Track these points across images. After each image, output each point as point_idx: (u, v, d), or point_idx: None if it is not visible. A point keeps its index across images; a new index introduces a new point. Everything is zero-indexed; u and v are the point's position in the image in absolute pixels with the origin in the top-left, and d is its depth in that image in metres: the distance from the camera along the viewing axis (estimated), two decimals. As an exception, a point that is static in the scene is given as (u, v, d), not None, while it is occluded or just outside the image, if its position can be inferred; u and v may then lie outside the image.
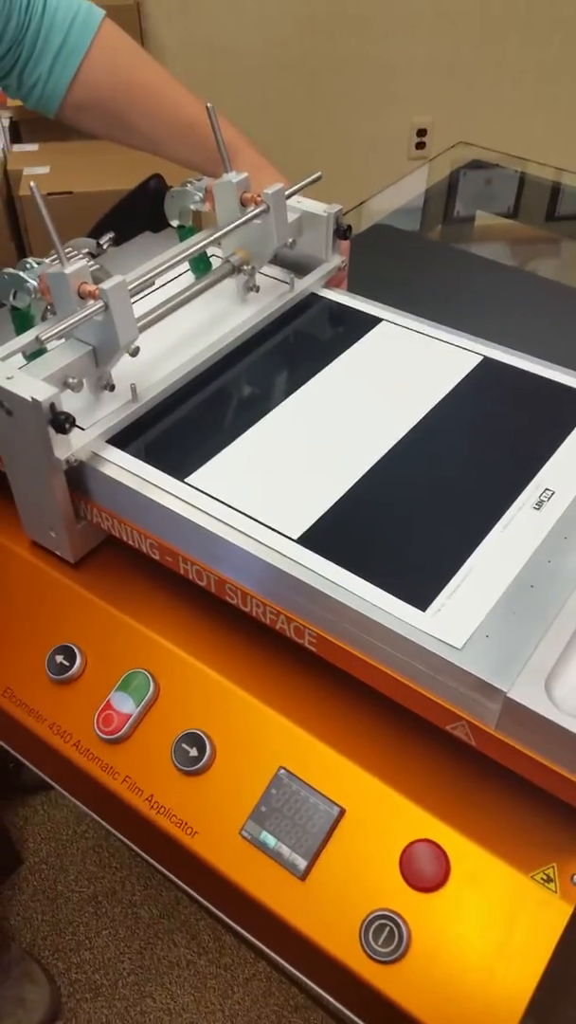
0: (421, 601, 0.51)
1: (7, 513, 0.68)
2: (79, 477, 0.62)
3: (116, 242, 0.76)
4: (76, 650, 0.62)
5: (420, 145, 2.53)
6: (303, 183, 0.74)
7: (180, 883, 0.59)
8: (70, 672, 0.61)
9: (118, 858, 1.36)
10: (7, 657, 0.63)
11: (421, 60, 2.35)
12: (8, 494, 0.66)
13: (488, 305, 1.04)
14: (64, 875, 1.34)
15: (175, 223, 0.77)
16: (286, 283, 0.77)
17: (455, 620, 0.50)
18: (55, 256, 0.63)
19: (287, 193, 0.72)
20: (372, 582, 0.52)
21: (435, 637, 0.49)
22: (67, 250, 0.65)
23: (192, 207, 0.74)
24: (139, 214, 1.21)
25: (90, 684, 0.61)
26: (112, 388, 0.65)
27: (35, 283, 0.61)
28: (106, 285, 0.58)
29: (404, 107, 2.44)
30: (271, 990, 1.22)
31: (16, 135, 2.08)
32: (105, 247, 0.75)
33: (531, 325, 0.97)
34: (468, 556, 0.54)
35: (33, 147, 2.04)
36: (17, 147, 2.03)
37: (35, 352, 0.62)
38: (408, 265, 1.17)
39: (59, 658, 0.62)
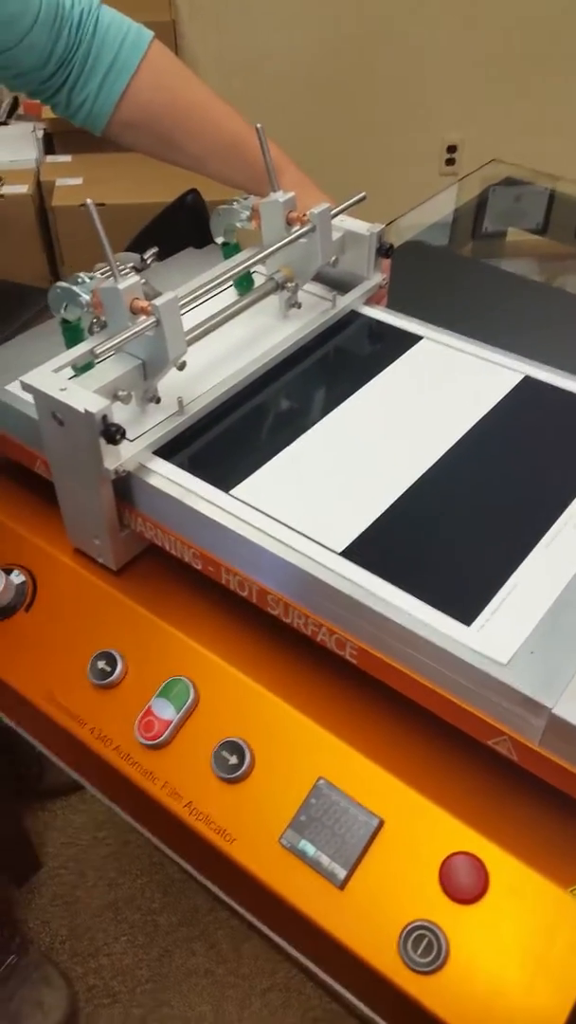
0: (466, 616, 0.52)
1: (51, 521, 0.70)
2: (125, 487, 0.63)
3: (159, 257, 0.78)
4: (118, 656, 0.63)
5: (450, 161, 2.55)
6: (348, 204, 0.75)
7: (216, 890, 0.59)
8: (112, 677, 0.62)
9: (138, 865, 1.36)
10: (50, 661, 0.64)
11: (452, 78, 2.37)
12: (52, 502, 0.68)
13: (521, 322, 1.05)
14: (83, 880, 1.35)
15: (220, 240, 0.78)
16: (327, 300, 0.78)
17: (500, 636, 0.51)
18: (107, 270, 0.65)
19: (332, 213, 0.73)
20: (417, 596, 0.53)
21: (480, 652, 0.50)
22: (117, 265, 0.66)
23: (238, 225, 0.76)
24: (178, 228, 1.23)
25: (131, 690, 0.62)
26: (158, 400, 0.66)
27: (88, 297, 0.62)
28: (159, 301, 0.59)
29: (435, 124, 2.46)
30: (290, 1001, 1.22)
31: (49, 146, 2.12)
32: (149, 262, 0.76)
33: (564, 342, 0.98)
34: (512, 573, 0.55)
35: (67, 158, 2.06)
36: (51, 158, 2.06)
37: (83, 365, 0.63)
38: (441, 281, 1.18)
39: (101, 664, 0.63)
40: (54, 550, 0.69)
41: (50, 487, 0.67)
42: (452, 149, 2.53)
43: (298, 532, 0.57)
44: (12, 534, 0.71)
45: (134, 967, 1.26)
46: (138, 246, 0.78)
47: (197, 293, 0.65)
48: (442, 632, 0.51)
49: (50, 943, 1.27)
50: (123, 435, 0.58)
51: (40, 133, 2.07)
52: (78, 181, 1.96)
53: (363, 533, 0.58)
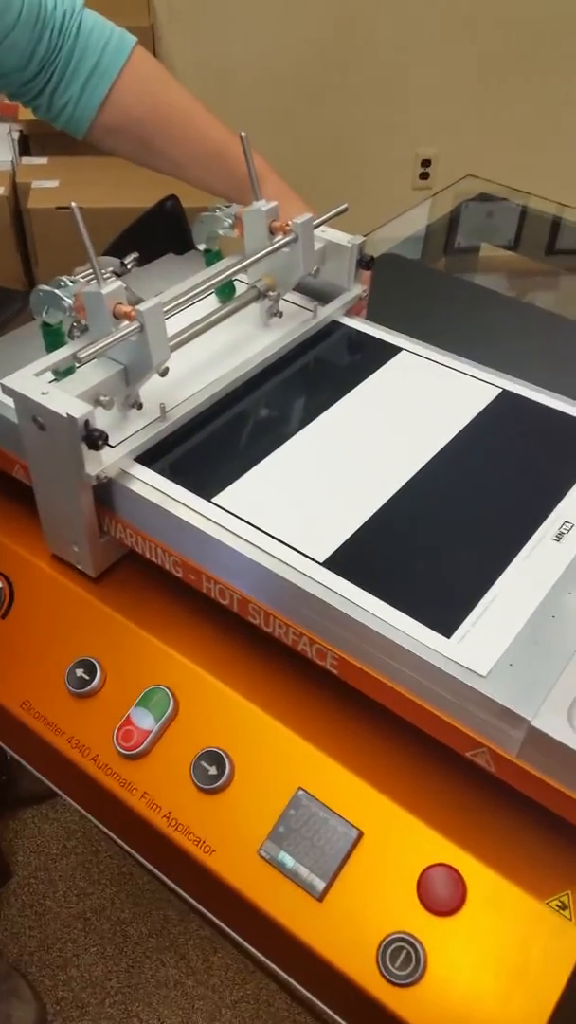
0: (446, 628, 0.52)
1: (29, 526, 0.69)
2: (105, 493, 0.62)
3: (139, 262, 0.77)
4: (96, 664, 0.62)
5: (424, 175, 2.57)
6: (330, 214, 0.75)
7: (194, 902, 0.59)
8: (90, 686, 0.61)
9: (107, 875, 1.35)
10: (26, 669, 0.64)
11: (427, 91, 2.39)
12: (29, 507, 0.67)
13: (494, 336, 1.06)
14: (53, 890, 1.33)
15: (202, 247, 0.78)
16: (308, 310, 0.78)
17: (480, 648, 0.51)
18: (89, 275, 0.64)
19: (315, 224, 0.73)
20: (398, 608, 0.53)
21: (460, 664, 0.50)
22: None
23: (220, 232, 0.76)
24: (156, 234, 1.23)
25: (109, 699, 0.61)
26: (140, 406, 0.66)
27: (71, 301, 0.62)
28: (143, 307, 0.59)
29: (409, 137, 2.48)
30: (259, 1013, 1.21)
31: (25, 148, 2.10)
32: (129, 267, 0.76)
33: (536, 356, 0.99)
34: (491, 585, 0.55)
35: (42, 160, 2.05)
36: (26, 160, 2.05)
37: (64, 369, 0.63)
38: (416, 295, 1.18)
39: (79, 672, 0.62)
40: (31, 556, 0.68)
41: (28, 492, 0.66)
42: (426, 163, 2.55)
43: (280, 541, 0.57)
44: (-12, 540, 0.70)
45: (104, 978, 1.24)
46: (116, 251, 0.77)
47: (181, 300, 0.64)
48: (423, 643, 0.51)
49: (19, 955, 1.26)
50: (105, 441, 0.58)
51: (16, 135, 2.05)
52: (54, 184, 1.95)
53: (345, 543, 0.58)
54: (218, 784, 0.56)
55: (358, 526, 0.59)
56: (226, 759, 0.57)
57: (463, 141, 2.50)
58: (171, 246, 0.97)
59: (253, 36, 2.25)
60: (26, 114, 1.99)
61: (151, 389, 0.66)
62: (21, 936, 1.28)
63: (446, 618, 0.53)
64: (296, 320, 0.77)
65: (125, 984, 1.24)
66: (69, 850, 1.38)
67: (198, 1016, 1.21)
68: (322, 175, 2.47)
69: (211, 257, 0.78)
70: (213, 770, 0.57)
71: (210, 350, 0.73)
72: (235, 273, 0.69)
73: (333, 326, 0.79)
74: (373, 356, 0.75)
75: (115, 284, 0.60)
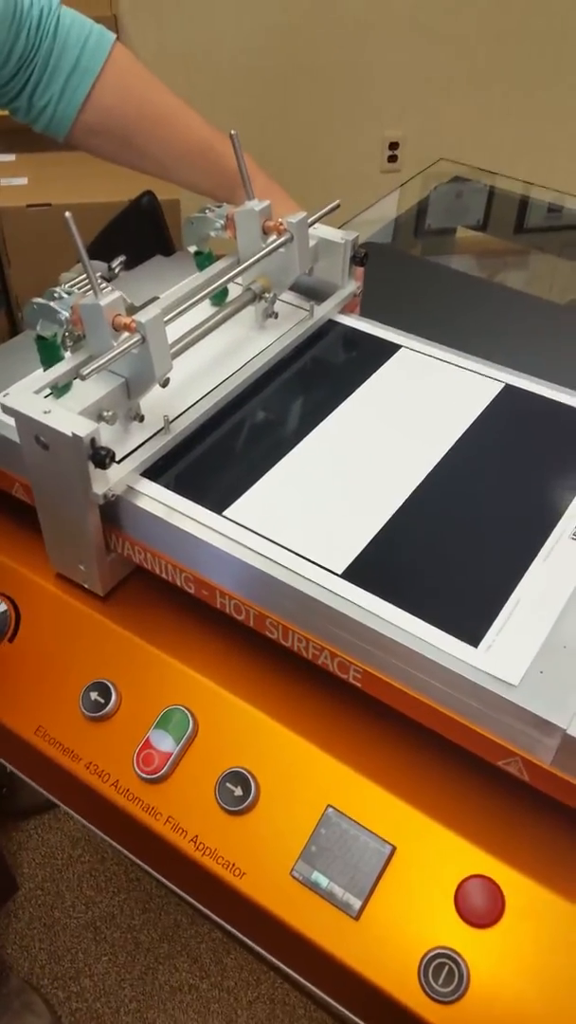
0: (473, 637, 0.51)
1: (30, 545, 0.67)
2: (112, 510, 0.61)
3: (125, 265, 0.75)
4: (111, 686, 0.61)
5: (392, 158, 2.55)
6: (323, 212, 0.74)
7: (225, 924, 0.58)
8: (105, 709, 0.60)
9: (115, 882, 1.34)
10: (38, 694, 0.62)
11: (393, 73, 2.37)
12: (30, 526, 0.65)
13: (486, 325, 1.05)
14: (61, 901, 1.32)
15: (192, 249, 0.76)
16: (303, 309, 0.77)
17: (508, 656, 0.50)
18: (83, 284, 0.62)
19: (309, 222, 0.72)
20: (422, 618, 0.52)
21: (490, 674, 0.49)
22: (80, 277, 0.64)
23: (212, 234, 0.74)
24: (134, 232, 1.20)
25: (126, 721, 0.60)
26: (142, 419, 0.64)
27: (67, 314, 0.60)
28: (143, 318, 0.57)
29: (377, 120, 2.46)
30: (275, 1012, 1.21)
31: (-9, 145, 2.06)
32: (117, 271, 0.74)
33: (530, 345, 0.98)
34: (513, 589, 0.54)
35: (10, 157, 2.01)
36: (-7, 158, 2.01)
37: (62, 384, 0.61)
38: (401, 284, 1.17)
39: (93, 695, 0.61)
40: (36, 576, 0.66)
41: (28, 509, 0.65)
42: (394, 146, 2.53)
43: (296, 554, 0.56)
44: (-11, 561, 0.68)
45: (117, 987, 1.23)
46: (94, 251, 0.75)
47: (183, 308, 0.62)
48: (450, 654, 0.51)
49: (30, 968, 1.24)
50: (112, 458, 0.56)
51: (-19, 132, 2.00)
52: (23, 181, 1.91)
53: (361, 553, 0.56)
54: (244, 805, 0.55)
55: (373, 534, 0.58)
56: (251, 779, 0.56)
57: (430, 123, 2.49)
58: (150, 243, 0.95)
59: (217, 22, 2.21)
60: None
61: (151, 399, 0.64)
62: (31, 949, 1.27)
63: (471, 627, 0.52)
64: (292, 320, 0.75)
65: (139, 992, 1.23)
66: (75, 859, 1.37)
67: (214, 1019, 1.21)
68: (290, 160, 2.44)
69: (203, 259, 0.76)
70: (238, 791, 0.56)
71: (207, 355, 0.71)
72: (233, 277, 0.67)
73: (329, 325, 0.77)
74: (372, 355, 0.74)
75: (113, 295, 0.58)
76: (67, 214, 0.57)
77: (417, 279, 1.23)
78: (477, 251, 1.60)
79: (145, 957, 1.27)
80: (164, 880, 0.60)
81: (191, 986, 1.24)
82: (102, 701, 0.60)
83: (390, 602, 0.53)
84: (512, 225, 1.67)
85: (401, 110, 2.45)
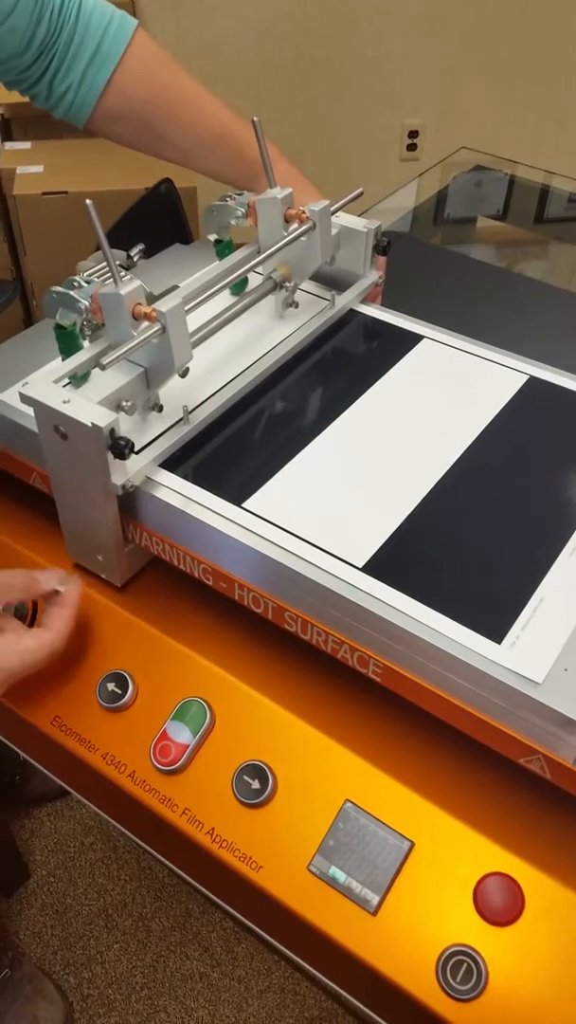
0: (496, 633, 0.51)
1: (47, 534, 0.67)
2: (130, 501, 0.60)
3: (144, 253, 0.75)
4: (128, 677, 0.60)
5: (411, 147, 2.53)
6: (346, 200, 0.73)
7: (241, 916, 0.58)
8: (123, 700, 0.60)
9: (127, 870, 1.34)
10: (55, 684, 0.62)
11: (413, 62, 2.35)
12: (47, 515, 0.65)
13: (510, 315, 1.04)
14: (73, 888, 1.33)
15: (212, 237, 0.75)
16: (323, 299, 0.76)
17: (532, 653, 0.50)
18: (103, 272, 0.62)
19: (332, 210, 0.71)
20: (444, 613, 0.52)
21: (514, 671, 0.49)
22: (99, 265, 0.63)
23: (233, 222, 0.73)
24: (152, 220, 1.19)
25: (143, 712, 0.60)
26: (160, 409, 0.63)
27: (87, 303, 0.59)
28: (164, 307, 0.57)
29: (396, 109, 2.44)
30: (286, 1002, 1.21)
31: (8, 132, 2.05)
32: (136, 259, 0.73)
33: (550, 337, 0.97)
34: (537, 584, 0.54)
35: (26, 145, 2.00)
36: (9, 145, 2.00)
37: (81, 374, 0.60)
38: (422, 274, 1.16)
39: (110, 686, 0.60)
40: (53, 566, 0.66)
41: (45, 499, 0.64)
42: (414, 135, 2.51)
43: (316, 546, 0.56)
44: (6, 549, 0.68)
45: (128, 974, 1.24)
46: (112, 239, 0.75)
47: (203, 297, 0.62)
48: (473, 650, 0.50)
49: (42, 954, 1.25)
50: (132, 449, 0.55)
51: (-2, 119, 2.00)
52: (39, 169, 1.90)
53: (383, 546, 0.56)
54: (262, 798, 0.55)
55: (395, 527, 0.57)
56: (268, 772, 0.55)
57: (451, 112, 2.46)
58: (168, 231, 0.94)
59: (234, 10, 2.19)
60: (7, 97, 1.93)
61: (170, 389, 0.64)
62: (43, 935, 1.28)
63: (495, 622, 0.51)
64: (313, 310, 0.75)
65: (150, 979, 1.23)
66: (87, 847, 1.37)
67: (225, 1008, 1.21)
68: (308, 148, 2.42)
69: (223, 248, 0.75)
70: (256, 784, 0.55)
71: (227, 345, 0.71)
72: (255, 266, 0.67)
73: (351, 315, 0.76)
74: (394, 345, 0.73)
75: (134, 284, 0.58)
76: (88, 201, 0.56)
77: (436, 268, 1.22)
78: (496, 240, 1.59)
79: (156, 945, 1.27)
80: (180, 872, 0.60)
81: (202, 974, 1.24)
82: (119, 692, 0.60)
83: (411, 597, 0.53)
84: (532, 215, 1.65)
85: (420, 99, 2.43)
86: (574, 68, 2.41)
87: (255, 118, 0.68)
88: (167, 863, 0.60)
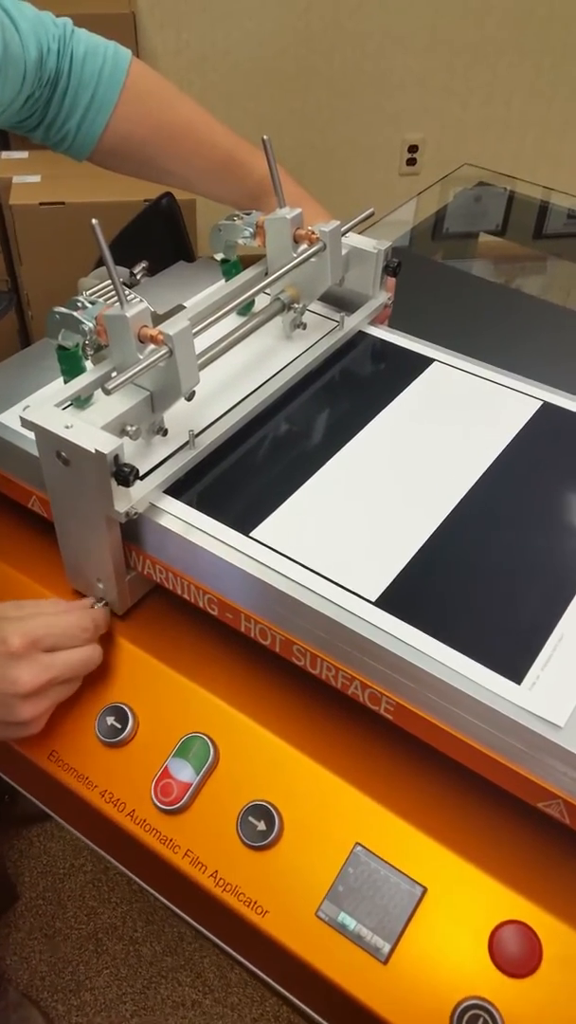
0: (515, 673, 0.49)
1: (46, 560, 0.65)
2: (133, 528, 0.58)
3: (148, 272, 0.73)
4: (128, 711, 0.58)
5: (411, 161, 2.53)
6: (356, 220, 0.71)
7: (247, 962, 0.56)
8: (122, 735, 0.58)
9: (118, 893, 1.32)
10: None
11: (414, 77, 2.35)
12: (46, 540, 0.63)
13: (522, 337, 1.02)
14: (62, 911, 1.30)
15: (219, 256, 0.74)
16: (331, 320, 0.74)
17: (553, 694, 0.48)
18: (107, 292, 0.60)
19: (343, 230, 0.69)
20: (460, 650, 0.50)
21: (535, 714, 0.47)
22: (101, 283, 0.61)
23: (240, 242, 0.71)
24: (153, 235, 1.18)
25: (144, 748, 0.58)
26: (165, 432, 0.62)
27: (91, 324, 0.58)
28: (171, 330, 0.55)
29: (396, 123, 2.44)
30: (280, 1032, 1.19)
31: (5, 142, 2.03)
32: (139, 277, 0.72)
33: (562, 361, 0.96)
34: (557, 621, 0.52)
35: (23, 154, 1.99)
36: (6, 154, 1.98)
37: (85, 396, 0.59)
38: (429, 293, 1.15)
39: (110, 719, 0.58)
40: (52, 593, 0.64)
41: (45, 524, 0.62)
42: (414, 149, 2.51)
43: (328, 579, 0.54)
44: (4, 575, 0.66)
45: (118, 1001, 1.21)
46: (112, 253, 0.73)
47: (212, 320, 0.60)
48: (491, 691, 0.48)
49: (29, 980, 1.22)
50: (136, 476, 0.53)
51: (-6, 128, 1.98)
52: (36, 178, 1.89)
53: (396, 579, 0.54)
54: (267, 840, 0.53)
55: (407, 560, 0.55)
56: (275, 813, 0.53)
57: (451, 128, 2.46)
58: (169, 246, 0.92)
59: (235, 24, 2.19)
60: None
61: (175, 412, 0.62)
62: (31, 960, 1.25)
63: (513, 661, 0.50)
64: (321, 331, 0.73)
65: (141, 1007, 1.21)
66: (77, 868, 1.35)
67: (217, 1037, 1.18)
68: (308, 162, 2.42)
69: (229, 268, 0.73)
70: (261, 825, 0.53)
71: (233, 367, 0.69)
72: (264, 287, 0.65)
73: (359, 337, 0.75)
74: (405, 369, 0.71)
75: (140, 305, 0.56)
76: (94, 221, 0.54)
77: (440, 284, 1.20)
78: (495, 256, 1.58)
79: (147, 970, 1.24)
80: (183, 914, 0.58)
81: (194, 1002, 1.21)
82: (119, 726, 0.58)
83: (427, 632, 0.51)
84: (531, 230, 1.65)
85: (421, 113, 2.43)
86: (574, 84, 2.41)
87: (264, 136, 0.66)
88: (169, 904, 0.58)
